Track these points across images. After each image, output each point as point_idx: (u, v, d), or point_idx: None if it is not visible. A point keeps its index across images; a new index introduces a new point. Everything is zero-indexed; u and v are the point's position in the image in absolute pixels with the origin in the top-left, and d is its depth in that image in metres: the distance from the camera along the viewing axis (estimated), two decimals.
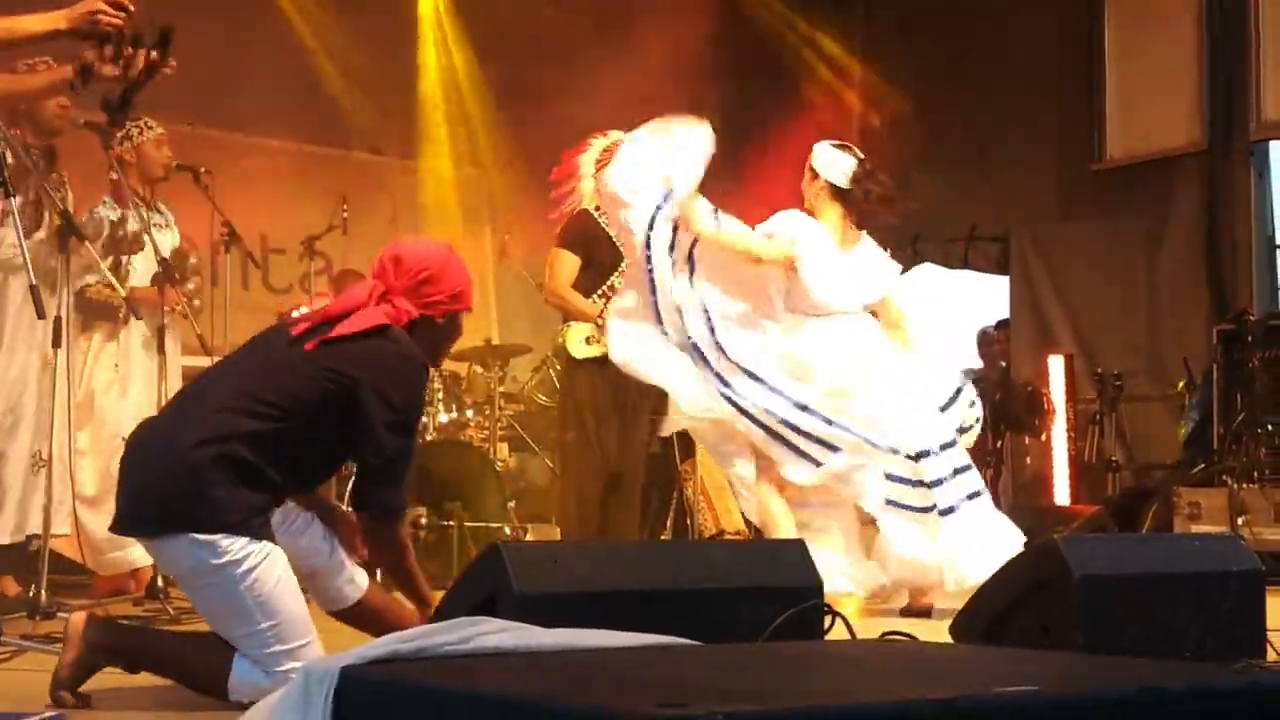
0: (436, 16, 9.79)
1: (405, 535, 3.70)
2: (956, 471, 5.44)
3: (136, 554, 6.02)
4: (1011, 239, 10.28)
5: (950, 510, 5.38)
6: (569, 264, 6.30)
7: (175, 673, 3.52)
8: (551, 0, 9.66)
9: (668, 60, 9.56)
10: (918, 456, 5.39)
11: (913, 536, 5.39)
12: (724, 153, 10.59)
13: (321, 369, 3.44)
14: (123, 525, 3.52)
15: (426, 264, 3.62)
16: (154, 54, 3.56)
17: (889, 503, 5.43)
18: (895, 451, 5.39)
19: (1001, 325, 10.40)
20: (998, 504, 9.54)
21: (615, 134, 6.38)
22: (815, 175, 5.74)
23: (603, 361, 6.14)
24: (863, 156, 5.77)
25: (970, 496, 5.45)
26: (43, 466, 5.33)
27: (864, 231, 5.76)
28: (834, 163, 5.71)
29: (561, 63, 9.64)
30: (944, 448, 5.45)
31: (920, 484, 5.40)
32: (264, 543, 3.35)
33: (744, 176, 10.28)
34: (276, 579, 3.35)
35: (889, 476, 5.42)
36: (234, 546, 3.31)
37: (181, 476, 3.33)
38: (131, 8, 3.52)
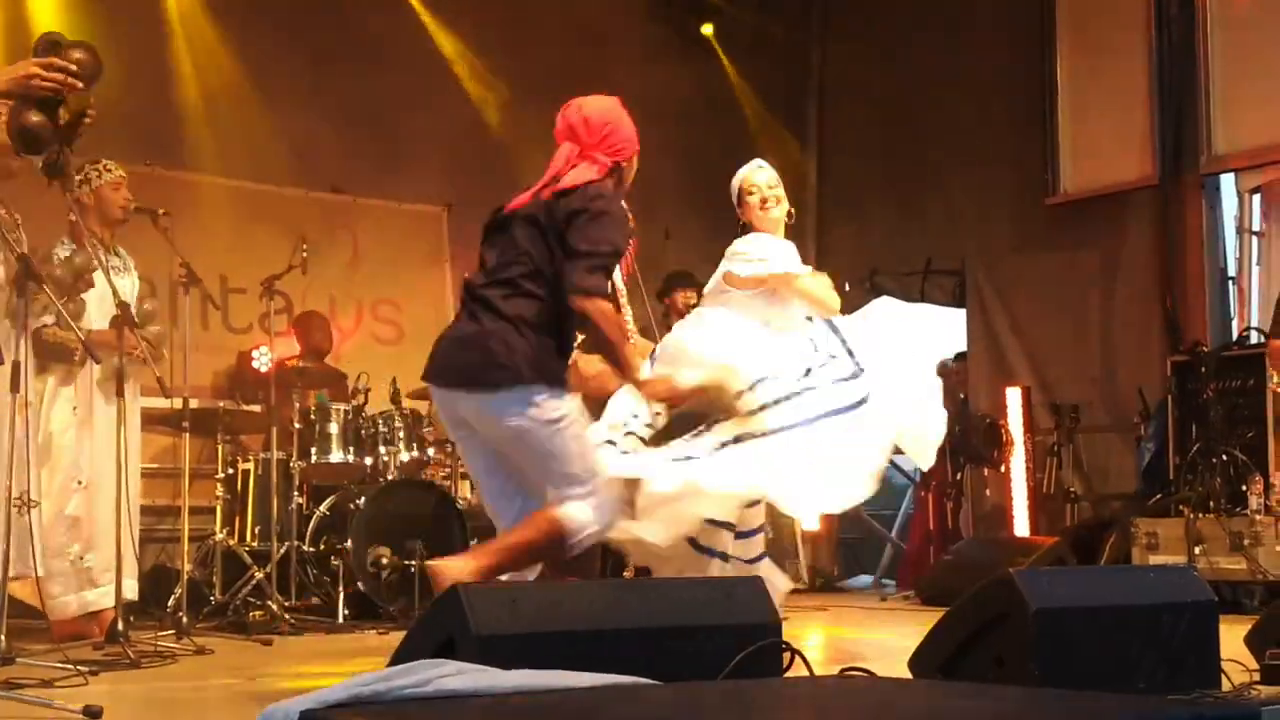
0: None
1: (607, 313, 4.18)
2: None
3: (91, 596, 5.99)
4: (967, 272, 10.36)
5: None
6: None
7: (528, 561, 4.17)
8: (519, 44, 9.69)
9: (633, 104, 9.63)
10: None
11: None
12: (691, 190, 10.76)
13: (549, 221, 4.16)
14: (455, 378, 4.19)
15: (608, 118, 4.37)
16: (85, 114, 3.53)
17: None
18: None
19: (959, 358, 10.48)
20: (958, 536, 9.68)
21: None
22: None
23: None
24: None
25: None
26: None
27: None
28: None
29: (526, 104, 9.69)
30: None
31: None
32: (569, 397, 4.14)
33: (708, 211, 10.37)
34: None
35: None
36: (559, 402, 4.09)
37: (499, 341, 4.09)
38: (74, 68, 3.47)
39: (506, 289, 4.16)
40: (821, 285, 5.40)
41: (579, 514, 4.12)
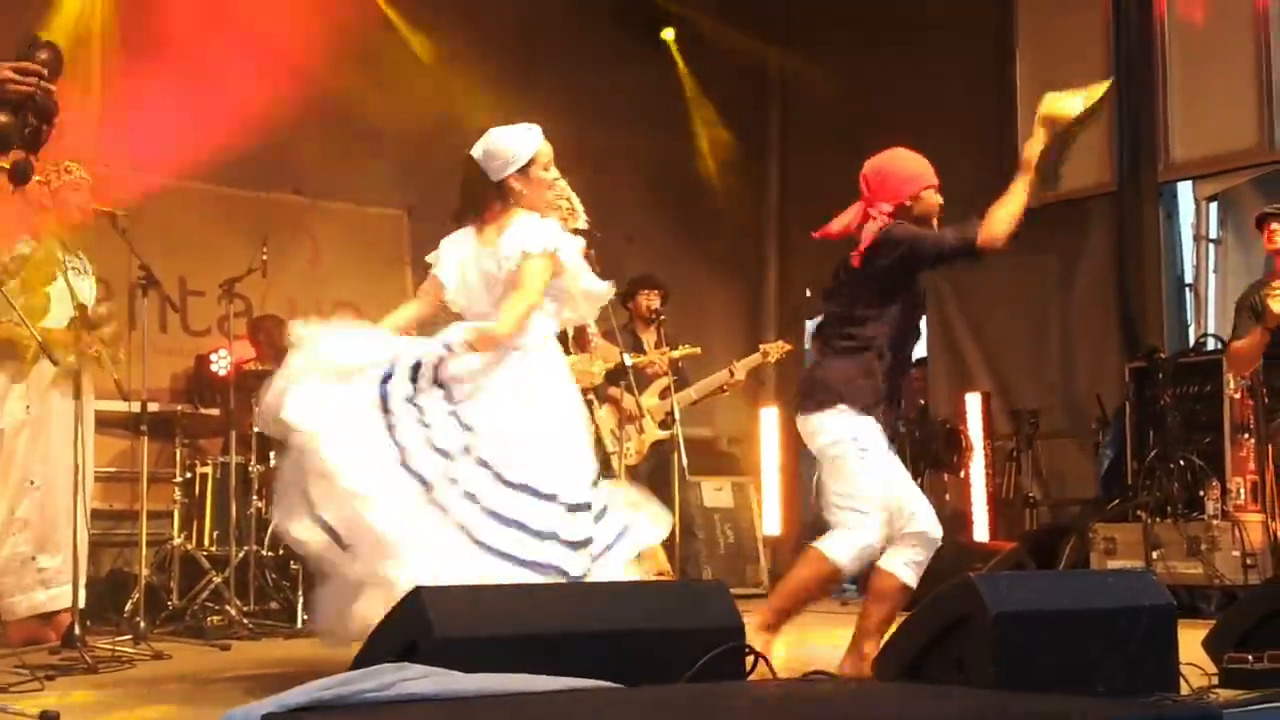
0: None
1: (991, 232, 4.97)
2: None
3: (42, 597, 5.93)
4: (927, 278, 10.37)
5: None
6: None
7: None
8: (481, 47, 9.67)
9: (595, 104, 9.63)
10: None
11: None
12: (652, 194, 10.75)
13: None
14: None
15: (880, 167, 4.98)
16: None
17: None
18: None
19: (919, 364, 10.52)
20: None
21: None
22: None
23: None
24: None
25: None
26: None
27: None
28: None
29: (488, 107, 9.66)
30: None
31: None
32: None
33: (670, 215, 10.39)
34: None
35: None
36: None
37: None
38: (44, 72, 3.45)
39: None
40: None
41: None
